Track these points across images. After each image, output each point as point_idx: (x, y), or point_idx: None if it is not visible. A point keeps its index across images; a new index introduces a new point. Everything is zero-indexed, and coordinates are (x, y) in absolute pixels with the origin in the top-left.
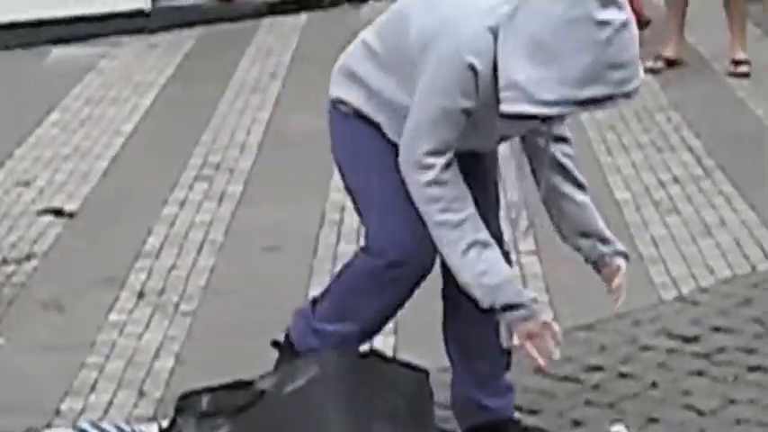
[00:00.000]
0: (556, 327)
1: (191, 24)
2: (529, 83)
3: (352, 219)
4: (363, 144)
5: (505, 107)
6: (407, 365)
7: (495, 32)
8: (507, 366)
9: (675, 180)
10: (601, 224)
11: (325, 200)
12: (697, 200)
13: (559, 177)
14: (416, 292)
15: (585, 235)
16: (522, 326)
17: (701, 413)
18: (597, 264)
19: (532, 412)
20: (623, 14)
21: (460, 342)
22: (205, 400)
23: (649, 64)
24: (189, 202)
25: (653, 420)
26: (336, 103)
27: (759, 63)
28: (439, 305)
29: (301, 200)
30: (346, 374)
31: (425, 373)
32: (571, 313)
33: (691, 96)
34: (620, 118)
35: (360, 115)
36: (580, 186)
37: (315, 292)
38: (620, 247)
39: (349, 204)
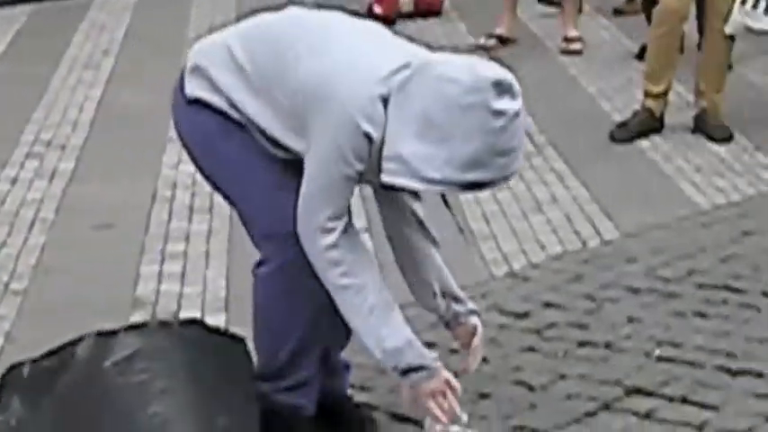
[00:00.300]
0: (456, 383)
1: (22, 1)
2: (414, 158)
3: (184, 195)
4: (222, 141)
5: (386, 178)
6: (228, 335)
7: (386, 101)
8: (342, 345)
9: None
10: (453, 282)
11: (158, 177)
12: (528, 176)
13: (417, 232)
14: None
15: (440, 294)
16: (425, 385)
17: (531, 388)
18: (450, 324)
19: (364, 389)
20: (517, 103)
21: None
22: (27, 372)
23: (482, 41)
24: (20, 180)
25: (484, 396)
26: (192, 101)
27: (591, 41)
28: None
29: (133, 177)
30: (170, 346)
31: (243, 341)
32: (401, 290)
33: (523, 74)
34: None
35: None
36: (434, 242)
37: (146, 269)
38: (473, 305)
39: (182, 181)
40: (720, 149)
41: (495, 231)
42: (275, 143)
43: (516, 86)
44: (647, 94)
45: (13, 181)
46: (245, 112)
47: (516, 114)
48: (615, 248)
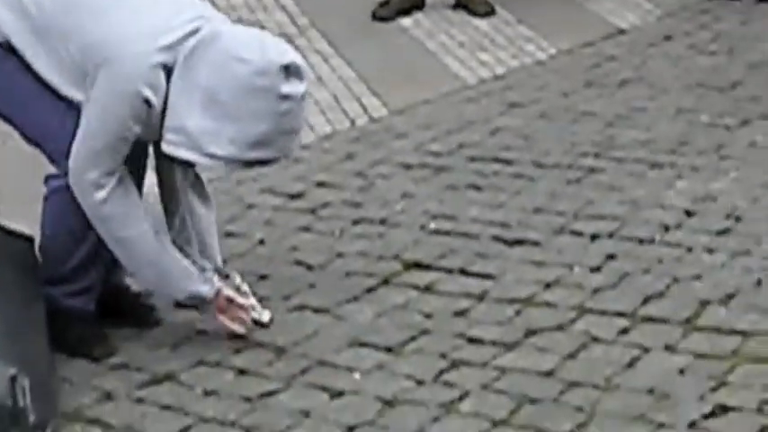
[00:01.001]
0: (241, 300)
1: None
2: (198, 132)
3: None
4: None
5: (168, 148)
6: (13, 232)
7: (169, 70)
8: None
9: None
10: (217, 249)
11: None
12: None
13: (194, 191)
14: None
15: (197, 251)
16: (210, 307)
17: (310, 267)
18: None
19: None
20: (304, 85)
21: None
22: None
23: None
24: None
25: (263, 277)
26: None
27: None
28: None
29: None
30: None
31: (31, 240)
32: None
33: None
34: None
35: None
36: (207, 200)
37: None
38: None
39: None
40: (482, 23)
41: None
42: (47, 86)
43: (304, 68)
44: None
45: None
46: (22, 54)
47: (302, 97)
48: (384, 125)
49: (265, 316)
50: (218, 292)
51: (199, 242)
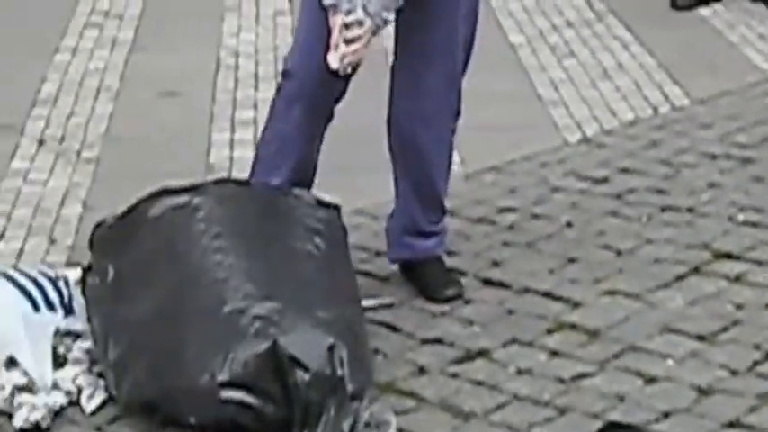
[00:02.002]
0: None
1: None
2: None
3: (248, 64)
4: None
5: None
6: (322, 202)
7: None
8: (443, 210)
9: (569, 24)
10: None
11: (219, 46)
12: (593, 44)
13: None
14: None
15: None
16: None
17: (618, 252)
18: None
19: (450, 253)
20: None
21: (410, 178)
22: (109, 233)
23: None
24: (80, 50)
25: (572, 260)
26: None
27: None
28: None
29: (194, 46)
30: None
31: (338, 208)
32: (477, 156)
33: None
34: None
35: None
36: None
37: (217, 136)
38: None
39: (244, 50)
40: None
41: (565, 98)
42: None
43: None
44: None
45: (74, 51)
46: None
47: None
48: (687, 114)
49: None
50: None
51: None
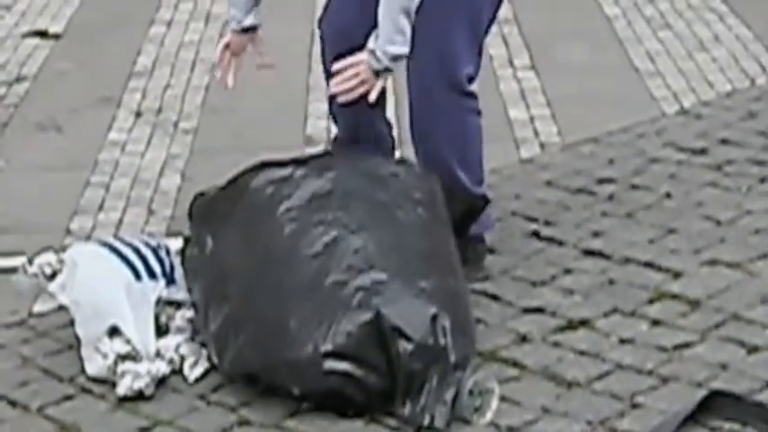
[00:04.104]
0: None
1: None
2: None
3: None
4: None
5: None
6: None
7: None
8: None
9: None
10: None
11: (313, 17)
12: (688, 15)
13: None
14: None
15: None
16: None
17: (718, 223)
18: None
19: (549, 223)
20: None
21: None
22: (209, 204)
23: None
24: (176, 23)
25: (672, 231)
26: None
27: None
28: None
29: (287, 18)
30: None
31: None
32: (574, 127)
33: None
34: None
35: None
36: None
37: (314, 107)
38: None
39: None
40: None
41: (662, 69)
42: None
43: None
44: None
45: (169, 23)
46: None
47: None
48: None
49: None
50: None
51: None
